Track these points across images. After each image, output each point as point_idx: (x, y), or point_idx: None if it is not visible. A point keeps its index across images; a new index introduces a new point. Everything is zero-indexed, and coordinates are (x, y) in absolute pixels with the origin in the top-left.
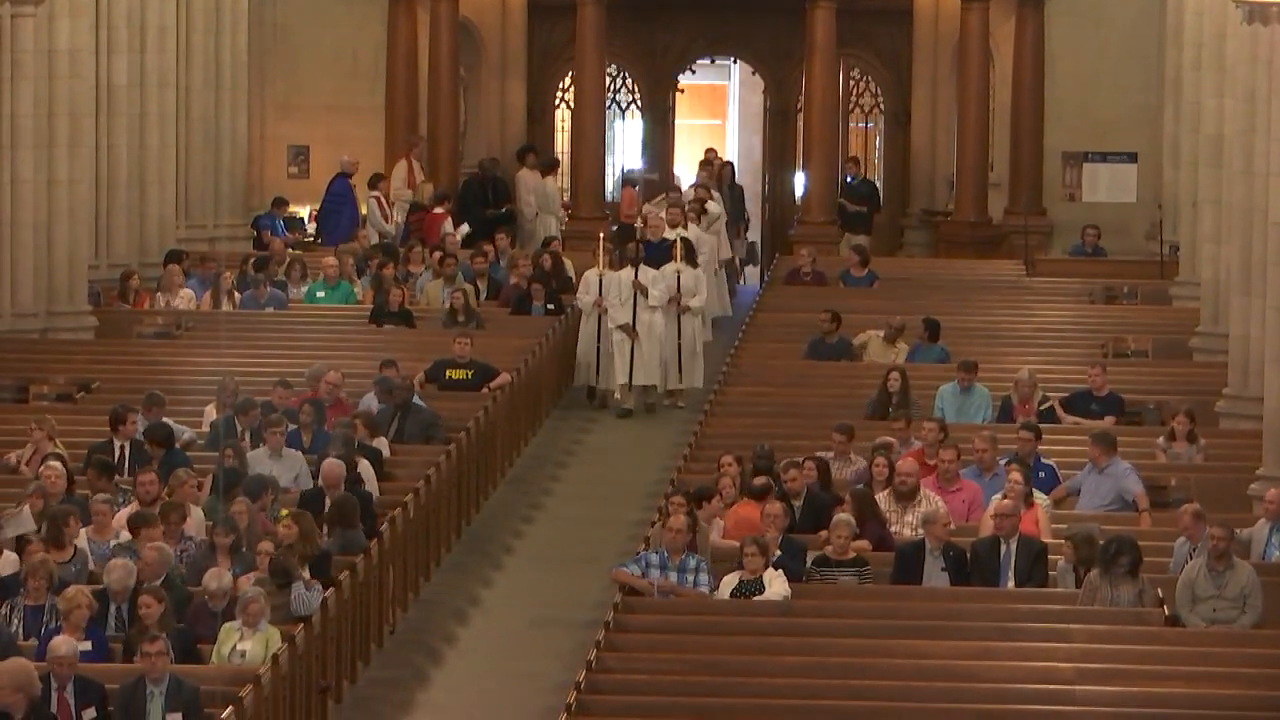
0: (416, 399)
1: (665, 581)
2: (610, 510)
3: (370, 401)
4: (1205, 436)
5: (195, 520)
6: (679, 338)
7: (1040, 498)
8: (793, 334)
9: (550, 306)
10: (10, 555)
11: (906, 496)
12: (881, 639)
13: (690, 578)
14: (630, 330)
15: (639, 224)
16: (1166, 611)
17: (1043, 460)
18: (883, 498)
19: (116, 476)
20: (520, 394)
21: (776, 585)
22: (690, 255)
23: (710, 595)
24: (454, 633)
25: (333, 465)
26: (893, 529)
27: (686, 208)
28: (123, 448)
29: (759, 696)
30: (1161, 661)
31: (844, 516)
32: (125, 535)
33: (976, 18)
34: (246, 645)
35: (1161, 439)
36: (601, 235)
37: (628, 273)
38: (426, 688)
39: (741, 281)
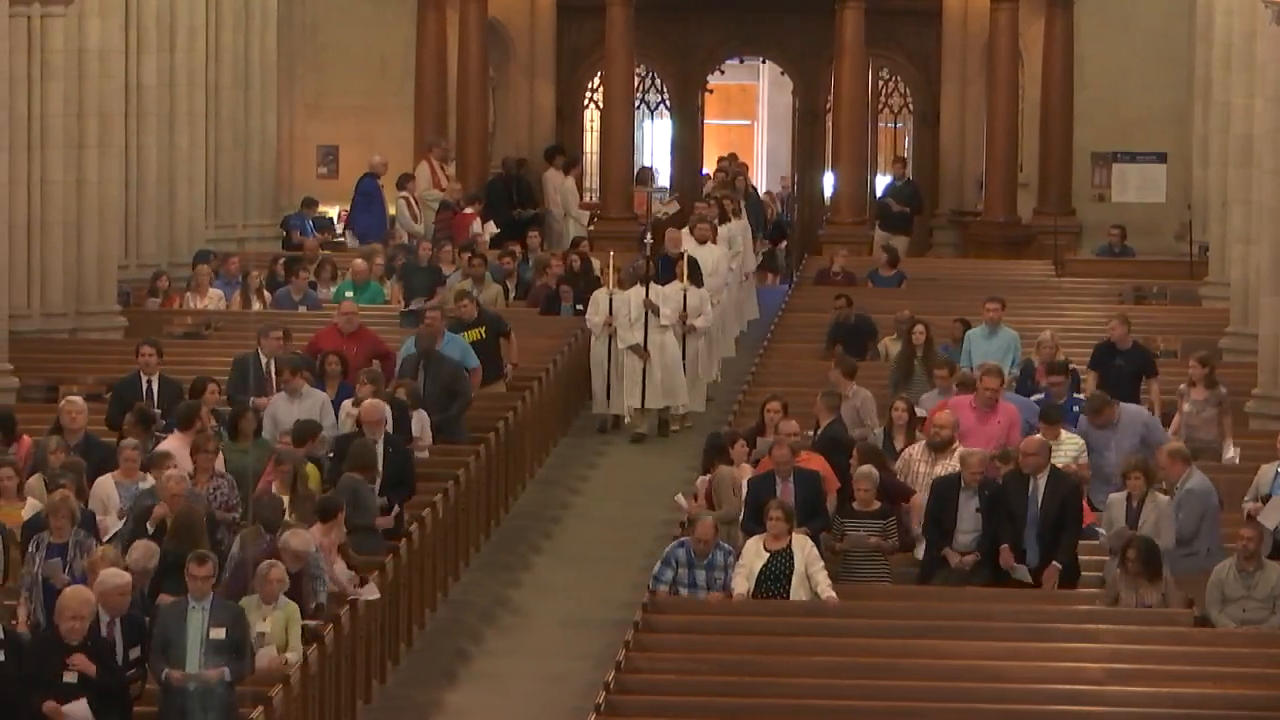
0: (442, 346)
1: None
2: (639, 510)
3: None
4: (1235, 437)
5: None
6: (683, 358)
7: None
8: (821, 334)
9: (579, 307)
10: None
11: (941, 448)
12: (909, 639)
13: (720, 576)
14: (642, 351)
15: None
16: (1196, 612)
17: (1076, 395)
18: (916, 449)
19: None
20: (549, 394)
21: (823, 586)
22: (695, 274)
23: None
24: (483, 633)
25: (373, 406)
26: (924, 478)
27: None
28: (149, 382)
29: (787, 697)
30: (1191, 662)
31: (867, 469)
32: (150, 480)
33: (1005, 17)
34: (266, 627)
35: (1183, 385)
36: (611, 254)
37: (637, 292)
38: (455, 688)
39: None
